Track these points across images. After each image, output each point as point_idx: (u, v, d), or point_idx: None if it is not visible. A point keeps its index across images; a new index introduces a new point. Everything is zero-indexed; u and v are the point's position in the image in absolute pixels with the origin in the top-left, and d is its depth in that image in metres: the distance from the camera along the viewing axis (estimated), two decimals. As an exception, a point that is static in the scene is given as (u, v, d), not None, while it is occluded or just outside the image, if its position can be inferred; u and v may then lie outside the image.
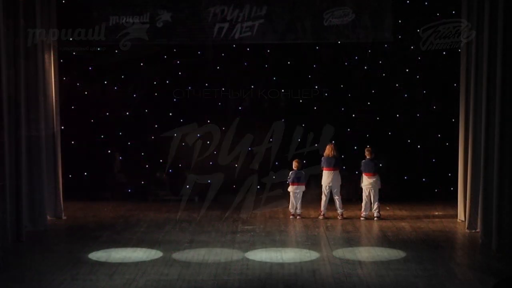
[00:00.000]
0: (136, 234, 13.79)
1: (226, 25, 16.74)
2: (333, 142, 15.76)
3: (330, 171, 15.38)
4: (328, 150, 15.46)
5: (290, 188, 15.56)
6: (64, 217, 15.38)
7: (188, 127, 16.68)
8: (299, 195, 15.47)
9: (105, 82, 18.13)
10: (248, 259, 11.76)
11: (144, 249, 12.39)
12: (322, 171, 15.51)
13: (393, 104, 18.09)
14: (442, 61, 17.68)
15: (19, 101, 13.28)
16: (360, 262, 11.58)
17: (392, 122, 18.11)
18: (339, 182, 15.48)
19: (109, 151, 18.09)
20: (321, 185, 15.52)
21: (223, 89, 18.18)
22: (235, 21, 16.74)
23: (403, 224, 14.79)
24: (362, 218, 15.26)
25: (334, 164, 15.42)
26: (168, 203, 17.18)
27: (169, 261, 11.57)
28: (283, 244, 13.00)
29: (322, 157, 15.50)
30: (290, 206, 15.56)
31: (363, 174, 15.41)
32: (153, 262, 11.51)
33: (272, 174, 17.28)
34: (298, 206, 15.47)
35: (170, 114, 18.23)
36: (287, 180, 15.71)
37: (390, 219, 15.27)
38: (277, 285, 10.39)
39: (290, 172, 15.53)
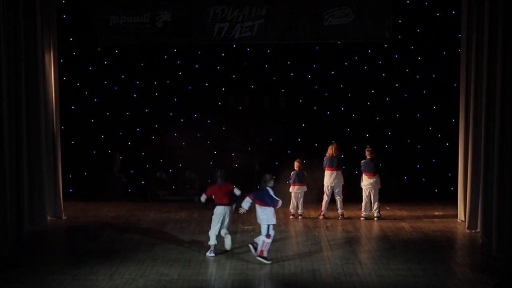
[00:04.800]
0: (136, 234, 13.79)
1: (226, 25, 16.74)
2: (333, 141, 15.77)
3: (332, 171, 15.36)
4: (331, 150, 15.44)
5: (291, 189, 15.53)
6: (64, 217, 15.38)
7: None
8: (301, 195, 15.45)
9: (105, 82, 18.13)
10: (248, 259, 11.74)
11: (144, 249, 12.38)
12: (324, 171, 15.52)
13: (393, 104, 18.09)
14: (442, 61, 17.69)
15: (20, 101, 13.28)
16: (360, 262, 11.58)
17: (392, 122, 18.11)
18: (341, 182, 15.46)
19: (109, 151, 18.08)
20: (323, 185, 15.51)
21: (223, 89, 18.20)
22: (235, 21, 16.74)
23: (403, 224, 14.78)
24: (362, 218, 15.26)
25: (337, 164, 15.40)
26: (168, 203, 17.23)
27: (169, 261, 11.57)
28: (283, 244, 13.00)
29: (325, 157, 15.49)
30: (290, 206, 15.54)
31: (363, 174, 15.41)
32: (153, 262, 11.51)
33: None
34: (300, 206, 15.45)
35: (170, 114, 18.24)
36: (288, 181, 15.71)
37: (390, 219, 15.26)
38: (277, 285, 10.39)
39: (292, 173, 15.51)
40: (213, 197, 12.37)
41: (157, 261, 11.60)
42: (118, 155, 18.08)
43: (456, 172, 15.26)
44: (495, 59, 12.34)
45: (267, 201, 11.70)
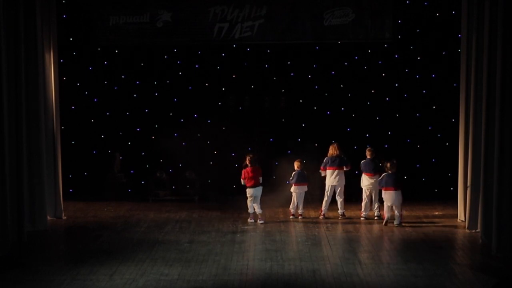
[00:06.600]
0: (136, 234, 13.79)
1: (226, 25, 16.75)
2: (334, 141, 15.76)
3: (333, 170, 15.33)
4: (332, 150, 15.43)
5: (292, 188, 15.51)
6: (64, 217, 15.39)
7: None
8: (302, 195, 15.44)
9: (105, 82, 18.13)
10: (248, 259, 11.76)
11: (144, 249, 12.39)
12: (321, 171, 15.50)
13: (393, 104, 18.08)
14: (442, 61, 17.69)
15: (20, 101, 13.27)
16: (360, 262, 11.58)
17: (392, 122, 18.10)
18: (343, 182, 15.42)
19: (109, 151, 18.08)
20: (324, 185, 15.50)
21: (223, 89, 18.19)
22: (235, 21, 16.75)
23: (403, 224, 14.78)
24: (362, 218, 15.26)
25: (338, 164, 15.37)
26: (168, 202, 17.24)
27: (169, 261, 11.57)
28: (283, 244, 13.00)
29: (326, 157, 15.47)
30: (291, 206, 15.53)
31: (363, 174, 15.40)
32: (153, 262, 11.51)
33: None
34: (300, 206, 15.44)
35: (170, 114, 18.23)
36: (288, 181, 15.71)
37: (390, 219, 15.25)
38: (277, 285, 10.39)
39: (293, 173, 15.49)
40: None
41: (157, 261, 11.60)
42: (118, 155, 18.08)
43: (456, 172, 15.26)
44: (495, 59, 12.34)
45: (397, 185, 14.21)
